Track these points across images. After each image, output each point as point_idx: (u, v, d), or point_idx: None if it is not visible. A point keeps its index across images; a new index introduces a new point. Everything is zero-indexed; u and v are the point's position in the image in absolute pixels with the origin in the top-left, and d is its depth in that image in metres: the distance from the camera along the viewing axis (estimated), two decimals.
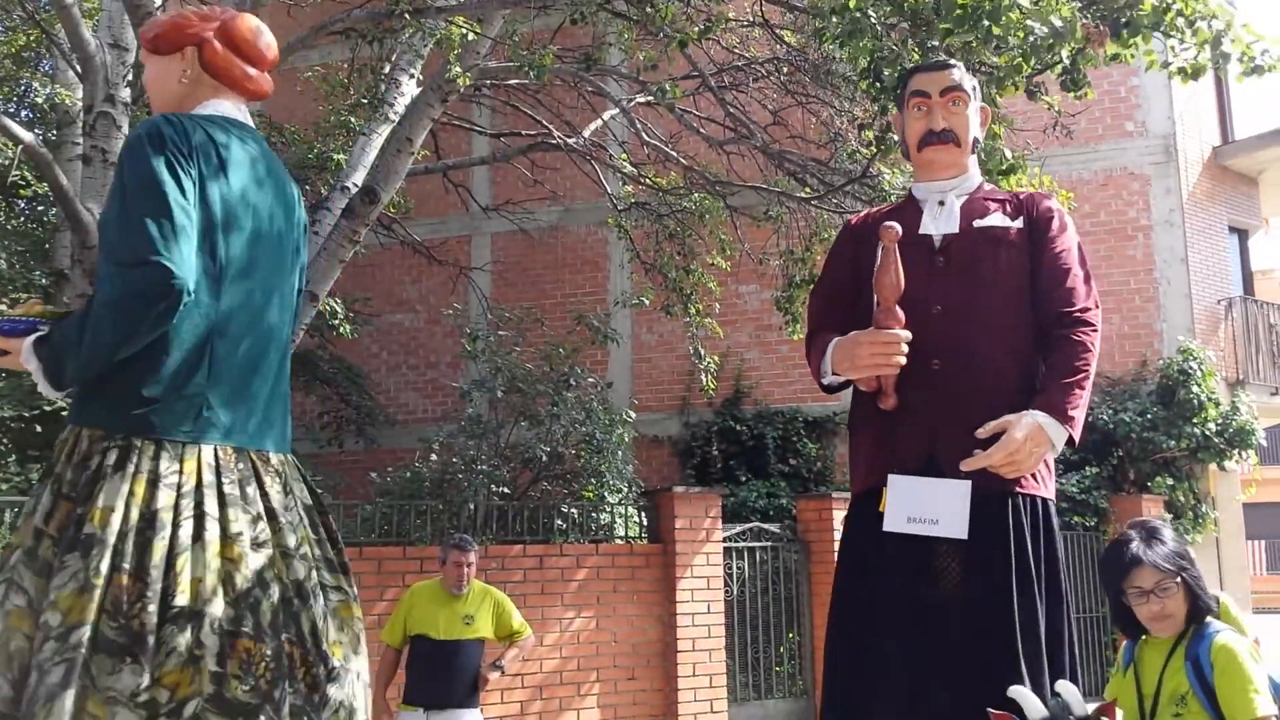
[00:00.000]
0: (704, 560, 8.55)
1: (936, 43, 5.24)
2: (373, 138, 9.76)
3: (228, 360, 2.19)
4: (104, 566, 1.98)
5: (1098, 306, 2.64)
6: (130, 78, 8.64)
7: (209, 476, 2.12)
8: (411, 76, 9.93)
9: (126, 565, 1.99)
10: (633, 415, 9.89)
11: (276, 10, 10.51)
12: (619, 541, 8.53)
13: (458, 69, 8.28)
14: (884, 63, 5.33)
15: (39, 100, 10.16)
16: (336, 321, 10.22)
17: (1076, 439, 2.49)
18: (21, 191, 10.22)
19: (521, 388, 9.54)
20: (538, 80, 7.90)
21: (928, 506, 2.46)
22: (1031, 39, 4.85)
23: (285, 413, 2.33)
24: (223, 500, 2.12)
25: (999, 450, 2.40)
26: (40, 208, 10.52)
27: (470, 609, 5.44)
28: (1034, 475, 2.54)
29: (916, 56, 5.38)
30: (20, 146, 8.22)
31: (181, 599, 2.01)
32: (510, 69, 9.04)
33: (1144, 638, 2.61)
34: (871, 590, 2.53)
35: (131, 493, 2.04)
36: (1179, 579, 2.52)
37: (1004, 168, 5.57)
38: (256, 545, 2.14)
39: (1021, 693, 2.20)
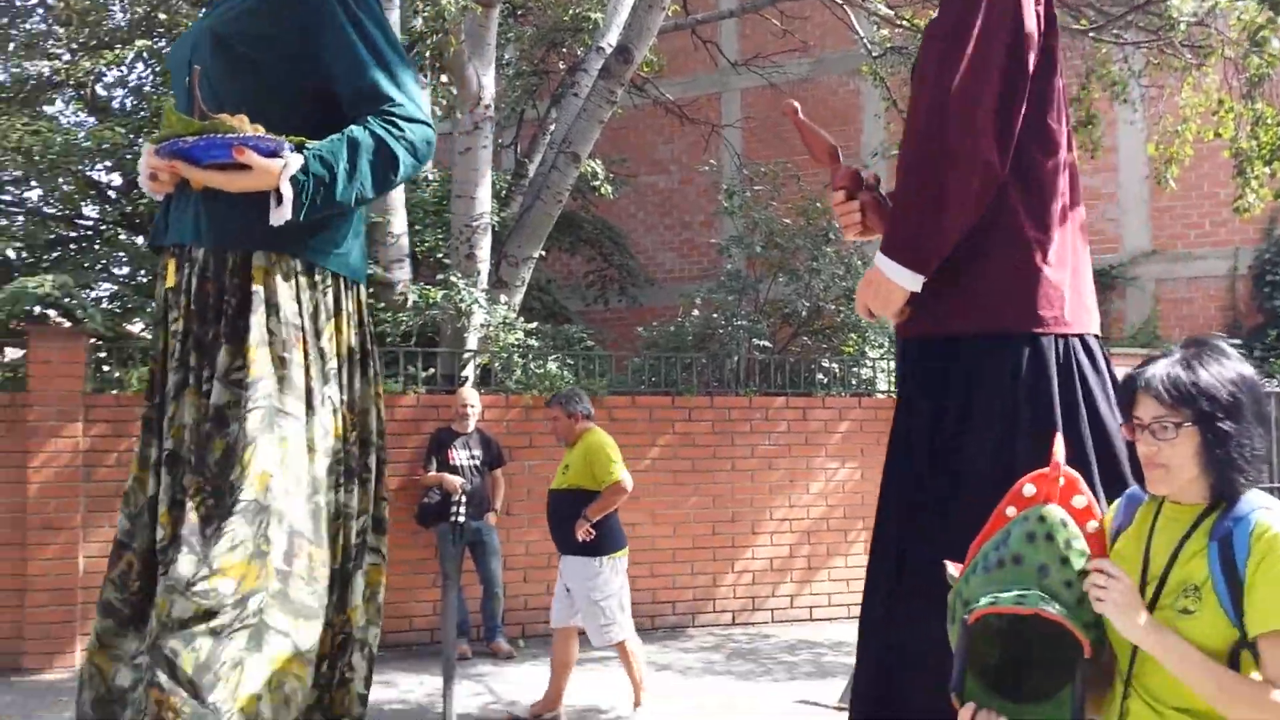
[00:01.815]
0: None
1: None
2: None
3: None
4: (339, 399, 2.18)
5: (951, 95, 2.09)
6: None
7: (366, 315, 2.31)
8: None
9: (344, 397, 2.20)
10: None
11: None
12: (880, 395, 8.51)
13: None
14: None
15: None
16: (597, 183, 10.48)
17: (920, 268, 2.13)
18: None
19: (779, 243, 9.53)
20: None
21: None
22: None
23: None
24: (370, 336, 2.33)
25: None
26: None
27: (569, 459, 5.43)
28: (944, 310, 2.18)
29: None
30: None
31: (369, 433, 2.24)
32: None
33: (1162, 497, 1.87)
34: None
35: (339, 329, 2.21)
36: (1188, 425, 1.76)
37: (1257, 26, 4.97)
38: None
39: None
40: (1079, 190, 2.35)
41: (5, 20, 10.36)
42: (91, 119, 10.23)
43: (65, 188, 9.31)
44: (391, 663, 6.30)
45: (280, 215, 2.03)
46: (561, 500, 5.35)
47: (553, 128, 9.97)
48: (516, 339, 7.75)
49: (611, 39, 9.62)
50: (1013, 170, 2.17)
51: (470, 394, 6.88)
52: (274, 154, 2.03)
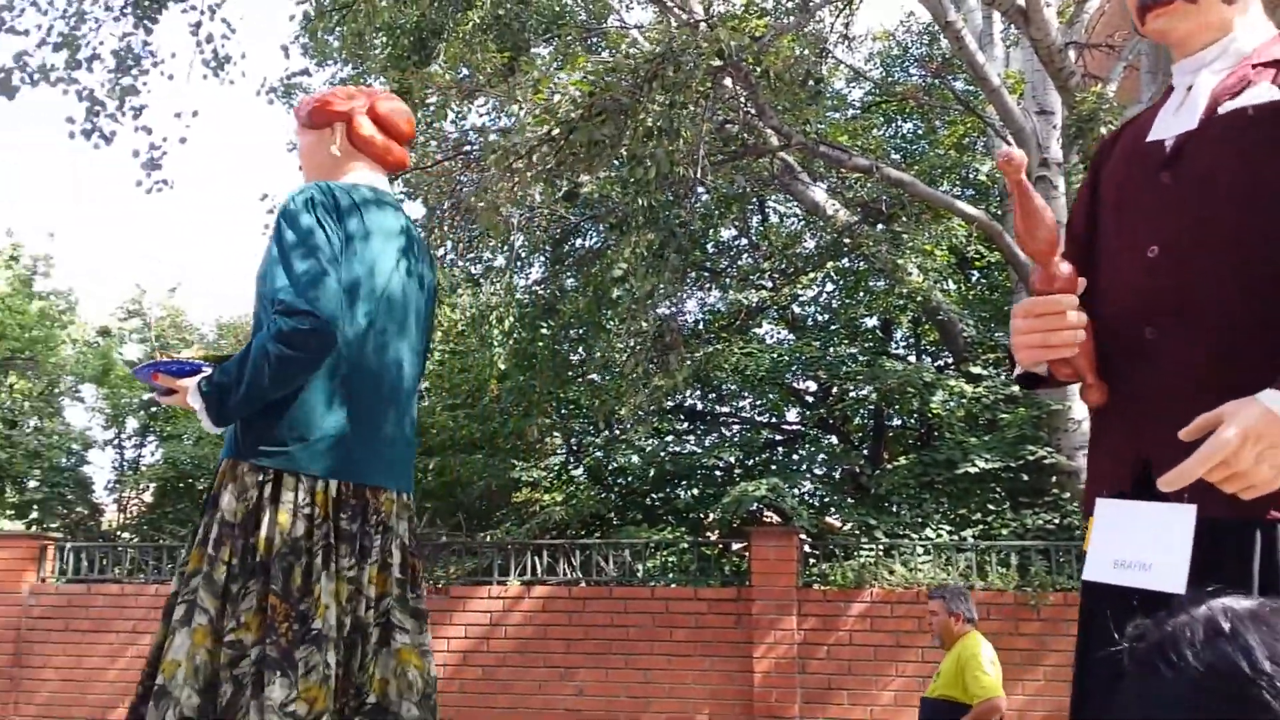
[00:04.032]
0: None
1: None
2: None
3: (361, 405, 2.42)
4: (261, 591, 2.29)
5: None
6: (1060, 139, 9.10)
7: (333, 511, 2.36)
8: None
9: (275, 588, 2.28)
10: None
11: None
12: None
13: None
14: None
15: (980, 178, 11.24)
16: None
17: None
18: (976, 263, 11.35)
19: None
20: None
21: (1139, 544, 1.66)
22: None
23: (410, 455, 2.57)
24: (339, 534, 2.35)
25: (1201, 458, 1.54)
26: (995, 275, 11.56)
27: (944, 664, 4.98)
28: None
29: None
30: (973, 223, 9.21)
31: (317, 623, 2.27)
32: None
33: None
34: (1085, 649, 1.78)
35: (277, 522, 2.30)
36: None
37: None
38: (346, 579, 2.36)
39: None
40: None
41: (725, 263, 12.37)
42: (790, 335, 11.63)
43: (771, 397, 10.63)
44: None
45: (207, 424, 2.38)
46: (931, 709, 5.04)
47: None
48: None
49: None
50: None
51: None
52: (195, 373, 2.40)
